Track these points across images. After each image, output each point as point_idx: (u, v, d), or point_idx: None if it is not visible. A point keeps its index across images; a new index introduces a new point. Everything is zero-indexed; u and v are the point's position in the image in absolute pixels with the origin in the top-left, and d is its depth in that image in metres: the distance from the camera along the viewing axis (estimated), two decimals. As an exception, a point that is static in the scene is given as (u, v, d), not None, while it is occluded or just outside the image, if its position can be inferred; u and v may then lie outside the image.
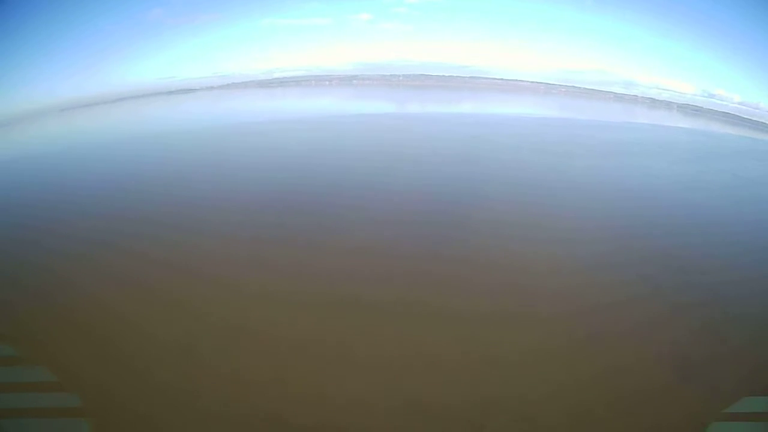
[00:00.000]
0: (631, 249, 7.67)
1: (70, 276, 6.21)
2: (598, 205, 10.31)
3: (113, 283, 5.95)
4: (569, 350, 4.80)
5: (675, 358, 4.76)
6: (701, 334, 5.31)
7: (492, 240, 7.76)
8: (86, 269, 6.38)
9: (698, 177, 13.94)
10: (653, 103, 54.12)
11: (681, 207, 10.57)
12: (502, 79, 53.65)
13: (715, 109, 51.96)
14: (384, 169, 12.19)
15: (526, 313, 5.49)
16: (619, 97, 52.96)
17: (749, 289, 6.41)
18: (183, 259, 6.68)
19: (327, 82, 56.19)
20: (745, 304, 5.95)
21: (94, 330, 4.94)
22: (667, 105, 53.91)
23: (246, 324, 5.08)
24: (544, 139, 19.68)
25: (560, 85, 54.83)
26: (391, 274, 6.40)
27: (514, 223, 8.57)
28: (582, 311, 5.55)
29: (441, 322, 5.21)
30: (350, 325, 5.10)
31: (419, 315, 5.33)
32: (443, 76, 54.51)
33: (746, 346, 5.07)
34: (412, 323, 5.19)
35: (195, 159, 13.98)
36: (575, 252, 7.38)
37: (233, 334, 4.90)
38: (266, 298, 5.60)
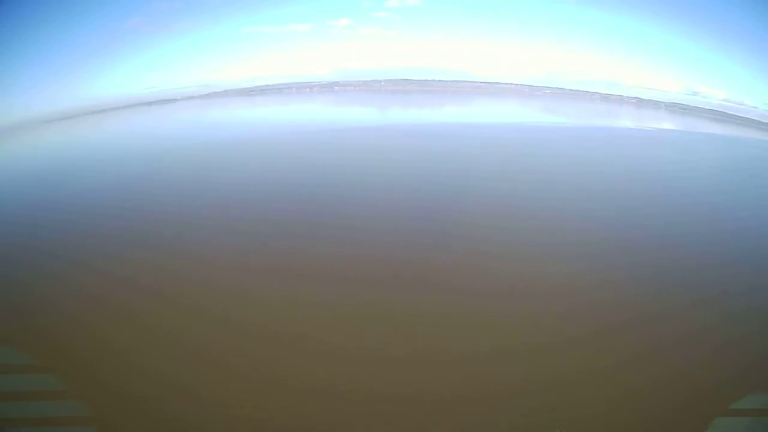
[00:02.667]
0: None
1: (47, 293, 5.91)
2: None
3: (90, 303, 5.61)
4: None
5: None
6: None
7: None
8: (65, 287, 6.09)
9: None
10: (640, 102, 53.69)
11: None
12: (485, 82, 52.94)
13: (702, 107, 51.60)
14: (368, 184, 11.29)
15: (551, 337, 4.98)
16: (605, 98, 52.39)
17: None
18: (162, 278, 6.28)
19: (308, 89, 55.20)
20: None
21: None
22: (654, 104, 53.50)
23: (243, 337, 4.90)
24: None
25: (545, 87, 54.21)
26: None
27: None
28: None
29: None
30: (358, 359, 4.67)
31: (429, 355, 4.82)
32: (425, 80, 53.77)
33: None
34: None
35: (174, 174, 12.94)
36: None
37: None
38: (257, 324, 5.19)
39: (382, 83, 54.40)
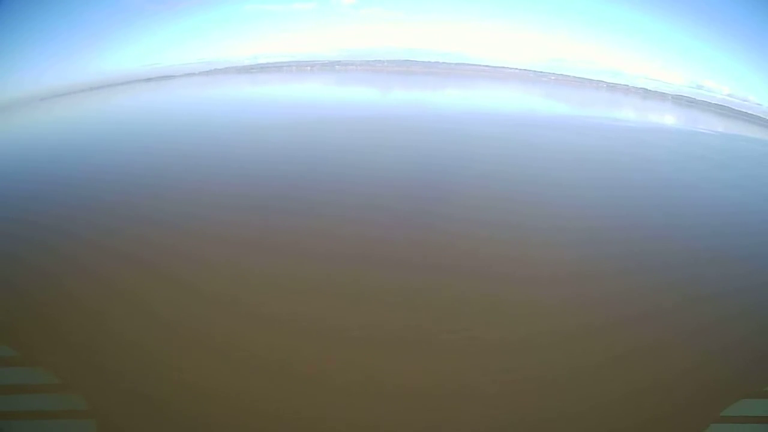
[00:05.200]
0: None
1: (45, 267, 5.93)
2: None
3: (87, 279, 5.62)
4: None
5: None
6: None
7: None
8: (61, 261, 6.09)
9: None
10: (646, 93, 52.74)
11: None
12: (489, 66, 52.04)
13: (708, 101, 50.67)
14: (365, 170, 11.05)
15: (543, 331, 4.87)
16: (611, 87, 51.51)
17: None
18: (161, 254, 6.24)
19: (309, 68, 54.43)
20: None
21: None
22: (661, 96, 52.52)
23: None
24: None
25: (550, 73, 53.22)
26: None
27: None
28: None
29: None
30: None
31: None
32: (429, 62, 52.91)
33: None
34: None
35: (172, 150, 13.14)
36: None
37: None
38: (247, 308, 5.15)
39: (385, 64, 53.51)
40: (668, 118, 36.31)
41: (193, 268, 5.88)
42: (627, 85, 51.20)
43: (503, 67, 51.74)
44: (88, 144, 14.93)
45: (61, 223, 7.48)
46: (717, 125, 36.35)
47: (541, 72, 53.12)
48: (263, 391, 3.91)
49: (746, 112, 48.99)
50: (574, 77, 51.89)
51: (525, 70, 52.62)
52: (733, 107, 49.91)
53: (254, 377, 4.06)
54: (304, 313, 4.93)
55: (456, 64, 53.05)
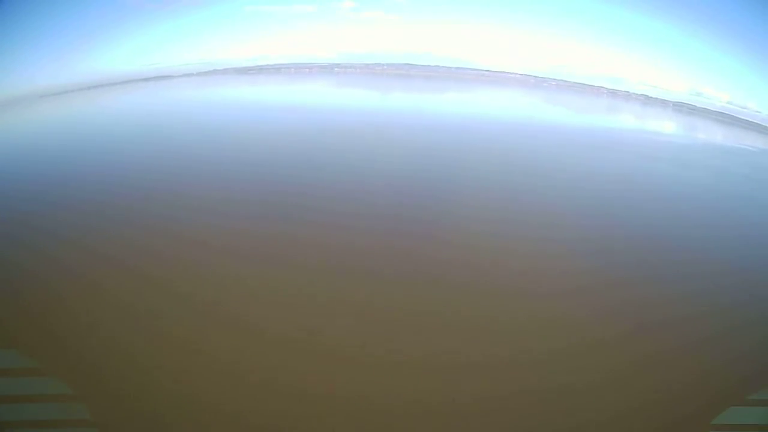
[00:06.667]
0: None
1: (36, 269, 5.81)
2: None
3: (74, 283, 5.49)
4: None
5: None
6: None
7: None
8: (48, 264, 5.92)
9: None
10: (647, 99, 52.55)
11: None
12: (489, 70, 51.78)
13: (709, 108, 50.51)
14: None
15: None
16: (612, 93, 51.25)
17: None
18: (149, 260, 6.08)
19: (307, 70, 54.09)
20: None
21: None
22: (662, 103, 52.37)
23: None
24: None
25: (550, 78, 52.93)
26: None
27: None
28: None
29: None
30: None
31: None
32: (428, 66, 52.60)
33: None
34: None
35: (164, 153, 12.77)
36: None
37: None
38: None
39: (385, 67, 53.23)
40: (674, 126, 36.09)
41: (188, 276, 5.68)
42: (628, 92, 51.00)
43: (504, 72, 51.52)
44: (81, 144, 14.68)
45: (52, 225, 7.26)
46: (719, 133, 36.26)
47: (541, 77, 52.88)
48: (250, 403, 3.79)
49: (746, 120, 48.85)
50: (575, 83, 51.67)
51: (526, 75, 52.36)
52: (734, 114, 49.74)
53: (242, 389, 3.92)
54: (296, 327, 4.73)
55: (456, 68, 52.80)
